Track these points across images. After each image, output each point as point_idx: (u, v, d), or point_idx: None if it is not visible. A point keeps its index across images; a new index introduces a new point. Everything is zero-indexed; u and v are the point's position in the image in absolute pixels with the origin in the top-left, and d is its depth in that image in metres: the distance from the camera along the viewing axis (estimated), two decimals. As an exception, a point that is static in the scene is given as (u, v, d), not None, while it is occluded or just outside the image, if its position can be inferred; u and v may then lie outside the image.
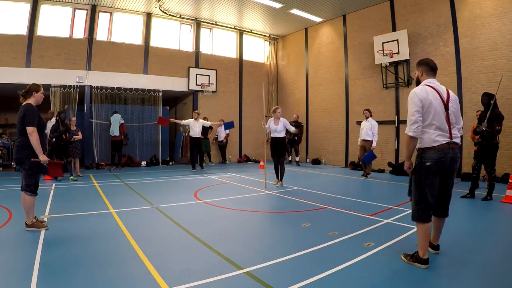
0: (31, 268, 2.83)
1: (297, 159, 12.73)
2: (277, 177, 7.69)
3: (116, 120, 11.00)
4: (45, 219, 4.42)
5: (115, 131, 10.91)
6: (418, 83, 3.15)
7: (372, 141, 8.85)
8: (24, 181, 3.98)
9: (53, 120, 8.66)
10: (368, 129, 8.91)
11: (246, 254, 3.32)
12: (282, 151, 7.57)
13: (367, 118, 9.06)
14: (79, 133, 9.03)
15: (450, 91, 3.04)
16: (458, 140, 2.97)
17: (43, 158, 3.92)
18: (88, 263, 3.03)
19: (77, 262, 3.04)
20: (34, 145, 3.85)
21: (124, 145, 11.14)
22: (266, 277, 2.73)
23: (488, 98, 5.77)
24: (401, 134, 10.32)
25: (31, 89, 4.06)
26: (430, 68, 3.07)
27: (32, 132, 3.83)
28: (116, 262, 3.10)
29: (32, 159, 3.89)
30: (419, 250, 2.96)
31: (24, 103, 4.02)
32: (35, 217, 4.12)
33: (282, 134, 7.47)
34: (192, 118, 10.73)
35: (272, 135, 7.54)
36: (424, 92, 2.91)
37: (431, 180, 2.91)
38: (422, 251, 2.94)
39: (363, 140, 9.04)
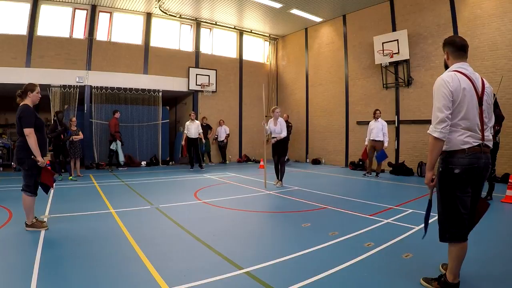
0: (31, 268, 2.83)
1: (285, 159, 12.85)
2: (277, 177, 7.73)
3: None
4: (45, 219, 4.42)
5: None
6: (446, 67, 2.54)
7: (383, 141, 8.85)
8: (24, 181, 3.99)
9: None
10: (379, 130, 8.88)
11: (246, 254, 3.32)
12: (282, 151, 7.64)
13: (377, 118, 9.01)
14: (80, 133, 9.06)
15: (485, 80, 2.46)
16: (490, 144, 2.42)
17: (40, 159, 3.91)
18: (88, 263, 3.03)
19: (77, 262, 3.04)
20: (32, 146, 3.84)
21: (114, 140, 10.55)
22: (266, 277, 2.73)
23: None
24: (401, 134, 10.33)
25: (27, 89, 4.05)
26: (457, 48, 2.45)
27: (29, 134, 3.82)
28: (116, 262, 3.10)
29: (32, 157, 3.89)
30: (448, 273, 2.45)
31: (21, 104, 4.00)
32: (35, 217, 4.12)
33: (282, 135, 7.50)
34: (189, 120, 10.82)
35: (273, 135, 7.62)
36: (456, 81, 2.31)
37: (462, 190, 2.35)
38: (452, 276, 2.43)
39: (374, 140, 8.95)
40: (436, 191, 2.50)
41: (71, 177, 8.30)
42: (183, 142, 10.77)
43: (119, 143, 10.71)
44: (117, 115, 10.89)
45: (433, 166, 2.42)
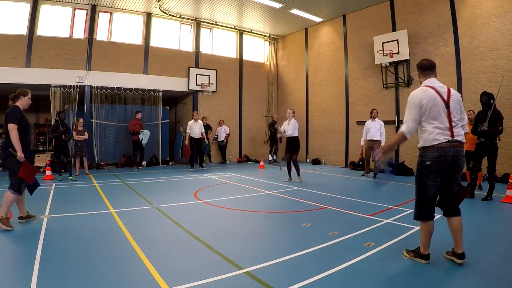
0: (31, 268, 2.83)
1: (275, 157, 13.19)
2: (289, 175, 8.20)
3: None
4: (45, 218, 4.41)
5: None
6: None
7: (380, 141, 8.79)
8: (10, 180, 4.16)
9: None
10: (377, 130, 8.81)
11: (246, 254, 3.32)
12: (294, 149, 8.08)
13: (374, 118, 8.96)
14: (85, 133, 9.29)
15: (451, 89, 3.05)
16: (461, 138, 2.95)
17: (20, 154, 4.06)
18: (88, 263, 3.03)
19: (77, 262, 3.04)
20: (13, 141, 4.03)
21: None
22: (266, 277, 2.73)
23: (488, 98, 5.75)
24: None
25: (20, 93, 4.32)
26: (423, 69, 3.11)
27: (12, 129, 4.03)
28: (116, 262, 3.10)
29: (9, 149, 4.05)
30: (421, 246, 3.05)
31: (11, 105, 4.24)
32: (7, 216, 4.10)
33: (295, 134, 8.02)
34: (192, 119, 10.88)
35: (286, 134, 8.14)
36: (422, 92, 2.95)
37: (432, 179, 2.91)
38: (423, 247, 3.03)
39: (371, 140, 8.87)
40: (415, 179, 3.09)
41: (71, 177, 8.27)
42: (186, 142, 10.81)
43: (146, 132, 11.07)
44: (139, 115, 11.17)
45: (388, 149, 3.22)
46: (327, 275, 2.76)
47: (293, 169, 8.23)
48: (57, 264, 3.00)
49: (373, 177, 9.02)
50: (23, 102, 4.30)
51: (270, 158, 13.32)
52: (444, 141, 2.86)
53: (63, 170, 8.48)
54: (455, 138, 2.89)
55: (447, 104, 2.91)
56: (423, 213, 2.98)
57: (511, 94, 7.94)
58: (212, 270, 2.86)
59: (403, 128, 2.98)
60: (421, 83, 3.14)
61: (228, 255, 3.22)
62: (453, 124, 2.90)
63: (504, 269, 2.94)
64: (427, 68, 3.09)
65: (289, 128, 8.02)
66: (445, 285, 2.66)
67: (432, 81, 3.04)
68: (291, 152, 8.09)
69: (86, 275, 2.77)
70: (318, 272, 2.81)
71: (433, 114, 2.88)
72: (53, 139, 8.20)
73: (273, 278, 2.72)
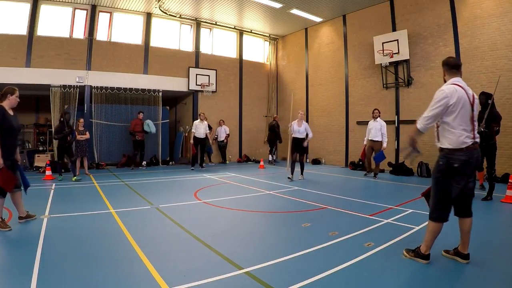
0: (31, 268, 2.84)
1: (270, 157, 13.44)
2: (291, 173, 8.46)
3: None
4: (45, 218, 4.42)
5: None
6: (444, 81, 3.13)
7: (382, 141, 8.75)
8: None
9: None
10: (378, 130, 8.76)
11: (246, 254, 3.32)
12: (302, 149, 8.40)
13: (376, 118, 8.93)
14: (87, 132, 9.34)
15: (474, 93, 3.05)
16: (478, 139, 2.98)
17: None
18: (88, 263, 3.03)
19: (77, 262, 3.04)
20: None
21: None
22: (266, 277, 2.73)
23: (485, 98, 5.72)
24: (401, 134, 10.32)
25: (7, 92, 4.11)
26: (450, 66, 3.03)
27: None
28: (116, 262, 3.10)
29: None
30: (423, 245, 3.01)
31: None
32: (2, 218, 4.09)
33: (303, 135, 8.36)
34: (198, 119, 11.01)
35: (294, 135, 8.40)
36: (453, 90, 2.86)
37: (458, 181, 2.87)
38: (425, 247, 2.99)
39: (371, 140, 8.85)
40: (432, 179, 3.02)
41: (75, 178, 8.17)
42: (191, 141, 10.84)
43: (149, 122, 11.35)
44: (140, 116, 11.32)
45: (413, 143, 3.09)
46: (327, 275, 2.76)
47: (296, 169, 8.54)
48: (57, 264, 3.00)
49: (373, 177, 9.02)
50: (10, 102, 4.09)
51: (270, 158, 13.41)
52: (470, 143, 2.85)
53: (63, 170, 8.46)
54: (476, 140, 2.91)
55: (472, 106, 2.90)
56: (442, 215, 2.93)
57: (511, 94, 7.94)
58: (212, 270, 2.87)
59: (419, 124, 2.93)
60: (444, 81, 3.07)
61: (228, 255, 3.22)
62: (475, 126, 2.91)
63: (504, 269, 2.94)
64: (454, 67, 3.02)
65: (303, 129, 8.37)
66: (445, 285, 2.66)
67: (459, 80, 2.98)
68: (300, 152, 8.42)
69: (86, 275, 2.77)
70: (318, 272, 2.81)
71: (462, 115, 2.84)
72: (58, 140, 8.15)
73: (273, 278, 2.72)
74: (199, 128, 10.75)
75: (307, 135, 8.44)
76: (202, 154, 11.25)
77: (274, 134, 13.31)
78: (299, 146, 8.35)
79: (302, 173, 8.68)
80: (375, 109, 9.11)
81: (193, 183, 8.23)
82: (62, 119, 8.24)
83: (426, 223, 4.28)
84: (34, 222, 4.38)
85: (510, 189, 5.69)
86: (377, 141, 8.77)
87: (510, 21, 7.98)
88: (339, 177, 9.56)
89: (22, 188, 4.39)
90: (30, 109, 13.07)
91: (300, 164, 8.65)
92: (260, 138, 15.19)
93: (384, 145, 8.78)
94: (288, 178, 8.45)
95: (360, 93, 11.68)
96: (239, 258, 3.14)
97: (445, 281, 2.72)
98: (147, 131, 11.32)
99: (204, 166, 11.22)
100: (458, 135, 2.84)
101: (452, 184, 2.87)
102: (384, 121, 9.06)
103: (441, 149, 2.96)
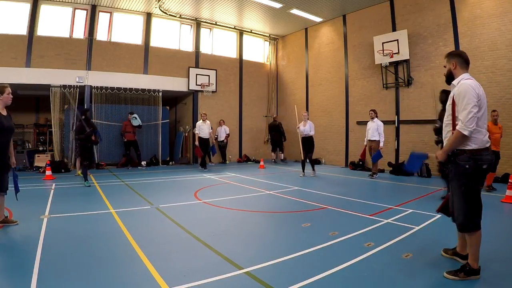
0: (31, 268, 2.83)
1: (282, 156, 13.62)
2: (303, 170, 9.33)
3: None
4: (45, 218, 4.42)
5: None
6: (449, 76, 2.89)
7: (379, 141, 8.88)
8: None
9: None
10: (374, 130, 8.94)
11: (246, 254, 3.32)
12: (309, 148, 9.17)
13: (372, 118, 9.05)
14: None
15: None
16: None
17: None
18: (88, 263, 3.03)
19: (77, 262, 3.04)
20: None
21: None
22: (266, 277, 2.73)
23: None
24: (401, 134, 10.32)
25: None
26: (464, 60, 2.81)
27: None
28: (116, 262, 3.10)
29: None
30: (471, 261, 2.69)
31: None
32: (6, 216, 4.14)
33: (310, 134, 9.09)
34: (200, 119, 10.87)
35: (302, 135, 9.14)
36: (477, 86, 2.66)
37: (482, 183, 2.75)
38: (474, 261, 2.67)
39: (369, 140, 9.05)
40: (457, 187, 2.72)
41: (86, 183, 7.32)
42: (196, 143, 10.71)
43: (136, 116, 11.46)
44: (129, 116, 11.41)
45: (445, 154, 2.76)
46: (327, 275, 2.76)
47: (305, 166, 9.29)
48: (57, 264, 3.00)
49: (369, 176, 9.08)
50: (3, 100, 3.99)
51: (274, 157, 13.56)
52: (490, 143, 2.76)
53: (82, 171, 7.72)
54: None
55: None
56: (478, 221, 2.68)
57: (511, 94, 7.94)
58: (212, 270, 2.86)
59: (465, 129, 2.57)
60: (450, 73, 2.87)
61: (228, 255, 3.22)
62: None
63: (504, 269, 2.93)
64: (467, 62, 2.83)
65: (308, 128, 9.05)
66: (445, 285, 2.66)
67: (471, 77, 2.78)
68: (306, 151, 9.13)
69: (86, 275, 2.77)
70: (318, 272, 2.81)
71: (482, 112, 2.66)
72: (79, 141, 7.45)
73: (273, 278, 2.72)
74: (203, 129, 10.65)
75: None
76: (206, 155, 11.19)
77: (278, 134, 13.33)
78: (306, 145, 9.10)
79: (313, 169, 9.41)
80: (371, 110, 9.20)
81: (193, 183, 8.23)
82: (83, 117, 7.59)
83: (427, 223, 4.32)
84: (34, 222, 4.37)
85: (510, 189, 5.69)
86: (374, 140, 8.94)
87: (510, 21, 7.98)
88: (339, 177, 9.56)
89: (13, 193, 4.33)
90: (30, 109, 13.08)
91: (309, 161, 9.29)
92: (260, 138, 15.19)
93: (381, 144, 8.89)
94: (300, 176, 9.11)
95: (360, 93, 11.68)
96: (239, 258, 3.14)
97: (445, 281, 2.72)
98: (136, 124, 11.41)
99: (206, 167, 11.18)
100: (484, 133, 2.67)
101: (479, 187, 2.69)
102: (384, 121, 9.14)
103: (463, 151, 2.67)
